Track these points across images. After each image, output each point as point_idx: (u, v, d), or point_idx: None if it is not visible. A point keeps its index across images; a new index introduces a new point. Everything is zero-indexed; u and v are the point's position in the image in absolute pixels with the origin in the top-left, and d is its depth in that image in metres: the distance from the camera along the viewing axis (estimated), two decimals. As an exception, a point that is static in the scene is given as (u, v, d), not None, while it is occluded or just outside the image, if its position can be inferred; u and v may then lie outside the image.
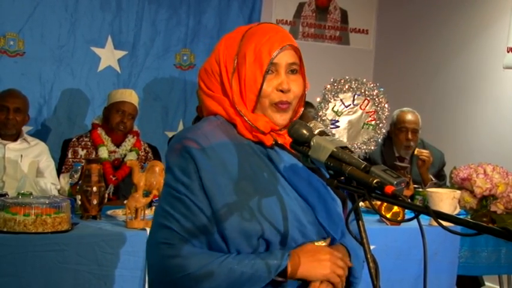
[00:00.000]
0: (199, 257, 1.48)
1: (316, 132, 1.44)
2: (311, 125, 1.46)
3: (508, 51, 5.02)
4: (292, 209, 1.53)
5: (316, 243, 1.57)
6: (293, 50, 1.60)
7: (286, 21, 6.00)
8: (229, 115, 1.59)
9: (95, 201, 2.99)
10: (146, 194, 2.95)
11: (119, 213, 3.13)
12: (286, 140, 1.59)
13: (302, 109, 1.65)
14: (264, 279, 1.49)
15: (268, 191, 1.53)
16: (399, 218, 3.11)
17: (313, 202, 1.57)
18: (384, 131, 3.99)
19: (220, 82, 1.60)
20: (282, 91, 1.56)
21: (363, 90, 3.80)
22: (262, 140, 1.57)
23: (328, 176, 1.43)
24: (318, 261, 1.53)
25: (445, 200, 3.25)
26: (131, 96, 4.16)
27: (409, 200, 1.30)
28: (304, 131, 1.43)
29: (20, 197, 2.92)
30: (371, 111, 3.87)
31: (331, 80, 3.79)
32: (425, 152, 4.26)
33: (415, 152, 4.30)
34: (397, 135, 4.43)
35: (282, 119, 1.58)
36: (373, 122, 3.90)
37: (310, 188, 1.58)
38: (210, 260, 1.47)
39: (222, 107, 1.59)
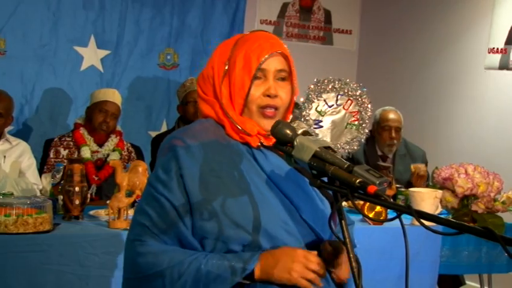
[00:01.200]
0: (169, 254, 1.51)
1: (299, 132, 1.45)
2: (294, 125, 1.47)
3: (489, 52, 5.06)
4: (276, 209, 1.54)
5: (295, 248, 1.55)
6: (283, 57, 1.63)
7: (270, 21, 6.01)
8: (218, 117, 1.63)
9: (77, 202, 2.97)
10: (129, 194, 2.94)
11: (102, 213, 3.11)
12: (272, 143, 1.61)
13: (291, 116, 1.68)
14: (228, 281, 1.48)
15: (253, 191, 1.54)
16: (382, 218, 3.12)
17: (298, 202, 1.58)
18: (367, 131, 4.01)
19: (212, 86, 1.64)
20: (269, 96, 1.59)
21: (346, 91, 3.81)
22: (248, 141, 1.60)
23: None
24: (285, 264, 1.50)
25: (427, 199, 3.28)
26: (114, 96, 4.14)
27: (391, 200, 1.31)
28: (288, 131, 1.44)
29: (1, 197, 2.89)
30: (354, 112, 3.89)
31: (315, 80, 3.80)
32: (422, 168, 4.24)
33: (412, 169, 4.25)
34: (380, 134, 4.46)
35: (268, 125, 1.58)
36: (356, 122, 3.92)
37: (297, 189, 1.60)
38: (181, 258, 1.50)
39: (213, 110, 1.64)
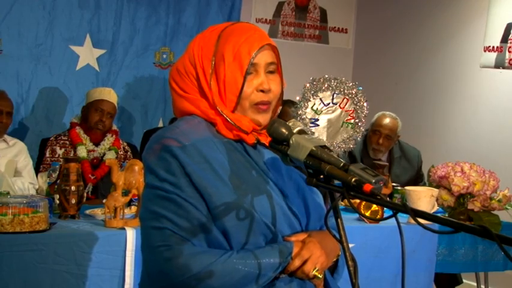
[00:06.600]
0: (201, 257, 1.46)
1: (295, 131, 1.44)
2: (290, 124, 1.47)
3: (484, 51, 5.07)
4: (278, 203, 1.55)
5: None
6: (271, 49, 1.61)
7: (266, 20, 6.00)
8: (207, 116, 1.58)
9: (73, 201, 2.97)
10: (125, 193, 2.93)
11: (98, 212, 3.11)
12: (267, 139, 1.60)
13: (280, 108, 1.67)
14: (268, 278, 1.50)
15: (255, 186, 1.54)
16: (378, 216, 3.12)
17: (292, 196, 1.59)
18: (363, 129, 4.01)
19: (197, 84, 1.59)
20: (262, 91, 1.57)
21: (342, 89, 3.81)
22: (244, 138, 1.57)
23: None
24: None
25: (423, 198, 3.28)
26: (110, 95, 4.14)
27: (387, 199, 1.31)
28: (283, 130, 1.43)
29: (-3, 196, 2.89)
30: (350, 110, 3.89)
31: (311, 78, 3.79)
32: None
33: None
34: (370, 137, 4.44)
35: (263, 119, 1.59)
36: (352, 121, 3.92)
37: (289, 182, 1.60)
38: (213, 259, 1.46)
39: (198, 109, 1.59)
